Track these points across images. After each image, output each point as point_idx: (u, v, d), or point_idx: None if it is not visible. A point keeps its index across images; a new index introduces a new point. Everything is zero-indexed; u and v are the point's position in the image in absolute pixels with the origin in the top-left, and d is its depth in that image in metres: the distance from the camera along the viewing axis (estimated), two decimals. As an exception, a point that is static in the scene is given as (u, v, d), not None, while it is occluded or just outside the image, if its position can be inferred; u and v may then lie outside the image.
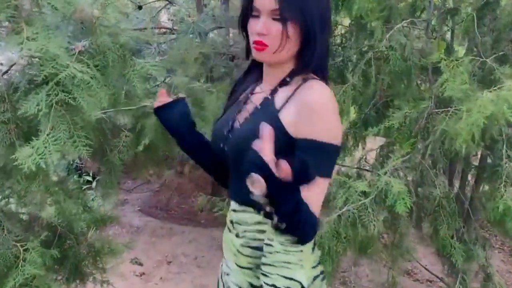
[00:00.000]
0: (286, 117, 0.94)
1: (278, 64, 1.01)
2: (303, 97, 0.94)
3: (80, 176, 4.29)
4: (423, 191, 2.14)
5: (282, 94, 0.99)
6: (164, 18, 3.76)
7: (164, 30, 3.37)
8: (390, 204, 1.78)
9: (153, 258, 3.22)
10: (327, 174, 0.93)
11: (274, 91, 1.01)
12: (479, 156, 2.70)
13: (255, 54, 0.99)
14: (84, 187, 3.94)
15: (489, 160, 2.45)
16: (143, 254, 3.23)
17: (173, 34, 3.17)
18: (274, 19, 0.94)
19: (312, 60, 0.98)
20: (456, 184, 2.95)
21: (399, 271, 2.43)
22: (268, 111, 0.98)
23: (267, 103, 1.00)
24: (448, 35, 2.91)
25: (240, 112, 1.06)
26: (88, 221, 1.69)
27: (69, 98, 1.00)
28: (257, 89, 1.08)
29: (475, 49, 2.57)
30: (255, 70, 1.11)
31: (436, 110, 2.01)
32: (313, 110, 0.91)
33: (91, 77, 1.02)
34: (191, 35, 2.77)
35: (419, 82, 2.78)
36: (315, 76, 1.00)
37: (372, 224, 1.79)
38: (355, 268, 2.93)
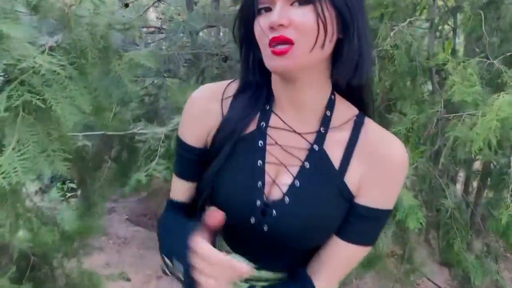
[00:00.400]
0: (351, 179, 0.72)
1: (304, 75, 0.69)
2: (384, 160, 0.71)
3: (63, 183, 4.10)
4: (432, 200, 2.00)
5: (333, 143, 0.73)
6: (152, 16, 3.59)
7: (152, 29, 3.20)
8: (400, 218, 1.64)
9: (141, 272, 3.03)
10: (374, 242, 0.79)
11: (320, 139, 0.73)
12: (481, 161, 2.60)
13: (274, 62, 0.65)
14: (68, 194, 3.76)
15: (492, 165, 2.35)
16: (131, 268, 3.04)
17: (162, 33, 3.00)
18: (295, 4, 0.64)
19: (354, 67, 0.69)
20: (459, 191, 2.84)
21: (405, 284, 2.30)
22: (327, 175, 0.72)
23: (317, 157, 0.73)
24: (450, 35, 2.80)
25: (268, 165, 0.74)
26: (65, 249, 1.48)
27: (37, 99, 0.80)
28: (274, 119, 0.75)
29: (477, 49, 2.48)
30: (252, 90, 0.78)
31: (447, 115, 1.88)
32: (393, 179, 0.72)
33: (66, 77, 0.84)
34: (181, 34, 2.61)
35: (420, 83, 2.67)
36: (356, 109, 0.77)
37: (380, 240, 1.66)
38: (357, 281, 2.79)
